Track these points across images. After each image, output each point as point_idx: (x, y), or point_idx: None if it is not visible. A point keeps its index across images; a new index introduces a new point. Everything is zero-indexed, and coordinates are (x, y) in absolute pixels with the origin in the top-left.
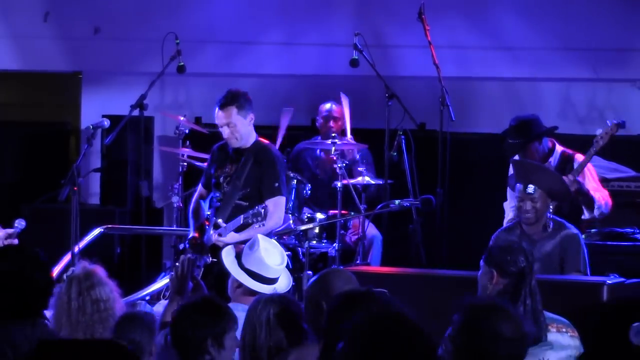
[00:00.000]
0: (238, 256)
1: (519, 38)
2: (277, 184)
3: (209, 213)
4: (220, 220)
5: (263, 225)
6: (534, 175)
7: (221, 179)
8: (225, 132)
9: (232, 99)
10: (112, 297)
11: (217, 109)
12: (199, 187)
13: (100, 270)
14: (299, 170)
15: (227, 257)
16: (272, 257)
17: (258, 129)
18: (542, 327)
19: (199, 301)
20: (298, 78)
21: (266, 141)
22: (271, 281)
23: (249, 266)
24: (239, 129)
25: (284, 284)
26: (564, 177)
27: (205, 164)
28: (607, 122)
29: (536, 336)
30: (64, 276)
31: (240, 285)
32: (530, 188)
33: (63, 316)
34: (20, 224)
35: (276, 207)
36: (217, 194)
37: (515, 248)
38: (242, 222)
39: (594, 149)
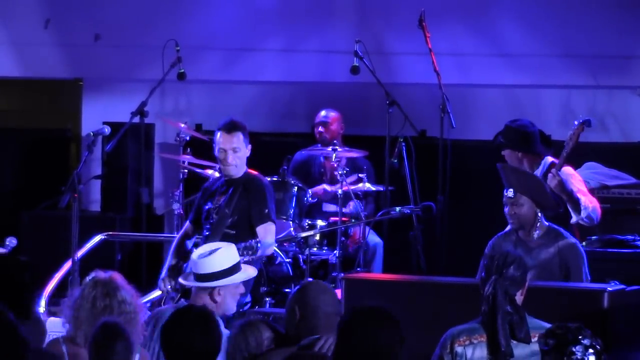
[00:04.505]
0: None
1: (519, 45)
2: (266, 211)
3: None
4: None
5: (253, 258)
6: (516, 180)
7: (211, 210)
8: (229, 157)
9: (239, 125)
10: (136, 302)
11: (222, 133)
12: (186, 223)
13: (118, 277)
14: (305, 179)
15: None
16: (199, 251)
17: (257, 135)
18: (509, 344)
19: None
20: (298, 85)
21: (255, 172)
22: (209, 277)
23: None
24: (241, 155)
25: (241, 276)
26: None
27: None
28: (574, 122)
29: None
30: (86, 279)
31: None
32: (511, 192)
33: (84, 316)
34: (11, 242)
35: (267, 233)
36: (207, 225)
37: (490, 258)
38: None
39: (565, 151)
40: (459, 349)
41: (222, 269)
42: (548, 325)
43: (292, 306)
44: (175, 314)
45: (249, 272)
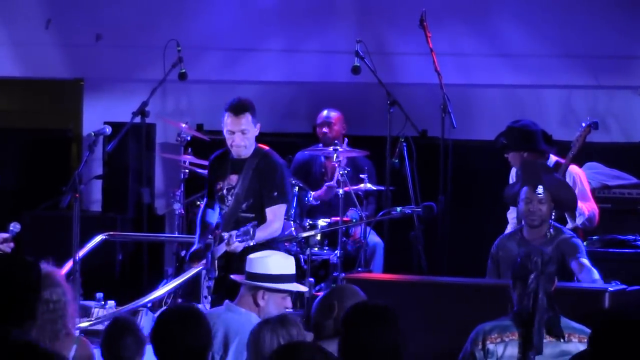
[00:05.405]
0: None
1: (520, 45)
2: (275, 193)
3: (218, 223)
4: (224, 234)
5: (250, 244)
6: (546, 177)
7: (225, 192)
8: (237, 139)
9: (246, 106)
10: (65, 299)
11: (229, 114)
12: (205, 199)
13: (56, 272)
14: (306, 179)
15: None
16: (260, 253)
17: (259, 135)
18: (541, 341)
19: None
20: (299, 85)
21: (266, 147)
22: (256, 277)
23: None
24: (250, 136)
25: (287, 286)
26: None
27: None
28: (582, 123)
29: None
30: None
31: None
32: (540, 189)
33: None
34: (15, 227)
35: (275, 216)
36: (223, 208)
37: (525, 254)
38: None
39: (571, 152)
40: (490, 346)
41: (271, 273)
42: (577, 325)
43: (330, 302)
44: (164, 313)
45: (299, 287)
